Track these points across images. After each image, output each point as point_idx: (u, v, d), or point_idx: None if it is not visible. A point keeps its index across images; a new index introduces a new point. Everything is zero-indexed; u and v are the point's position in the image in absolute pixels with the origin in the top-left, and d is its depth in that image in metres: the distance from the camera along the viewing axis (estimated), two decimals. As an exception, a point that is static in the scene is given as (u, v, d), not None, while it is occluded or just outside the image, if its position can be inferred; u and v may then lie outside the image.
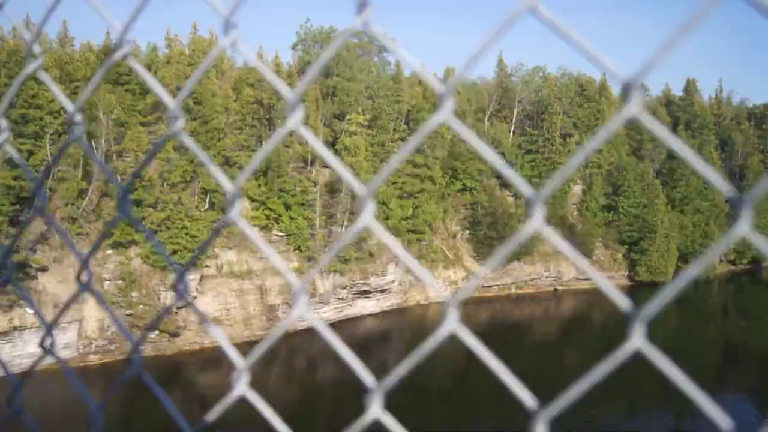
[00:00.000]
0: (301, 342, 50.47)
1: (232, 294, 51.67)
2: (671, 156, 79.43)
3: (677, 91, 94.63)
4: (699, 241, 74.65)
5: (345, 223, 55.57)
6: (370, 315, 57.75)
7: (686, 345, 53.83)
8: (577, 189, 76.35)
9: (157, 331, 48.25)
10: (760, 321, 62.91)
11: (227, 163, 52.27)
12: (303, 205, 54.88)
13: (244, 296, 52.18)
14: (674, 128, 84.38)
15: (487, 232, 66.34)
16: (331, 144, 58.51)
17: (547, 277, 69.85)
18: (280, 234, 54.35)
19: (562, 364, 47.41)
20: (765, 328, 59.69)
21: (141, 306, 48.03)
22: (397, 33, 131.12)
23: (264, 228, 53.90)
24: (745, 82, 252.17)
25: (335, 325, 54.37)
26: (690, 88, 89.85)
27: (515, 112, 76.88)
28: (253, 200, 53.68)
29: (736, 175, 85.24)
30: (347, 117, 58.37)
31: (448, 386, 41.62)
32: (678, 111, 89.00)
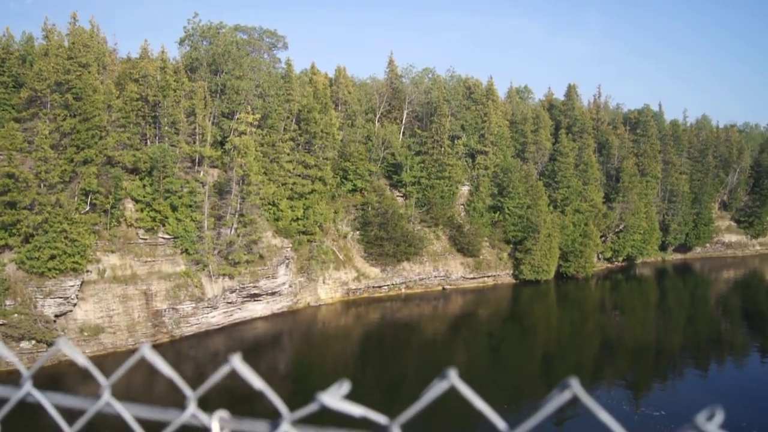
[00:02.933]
0: (189, 347, 53.57)
1: (115, 300, 53.56)
2: (552, 158, 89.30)
3: (559, 96, 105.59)
4: (579, 240, 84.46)
5: (234, 225, 58.85)
6: (260, 318, 61.19)
7: (568, 340, 62.06)
8: (464, 190, 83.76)
9: (33, 342, 49.51)
10: (634, 315, 72.76)
11: (109, 163, 54.13)
12: (190, 206, 57.42)
13: (129, 302, 54.12)
14: (556, 131, 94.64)
15: (378, 232, 71.92)
16: (220, 144, 61.57)
17: (435, 276, 76.54)
18: (167, 236, 56.78)
19: (451, 360, 53.07)
20: (638, 322, 69.12)
21: (15, 315, 48.97)
22: (287, 30, 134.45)
23: (150, 230, 56.05)
24: (620, 89, 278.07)
25: (224, 330, 57.63)
26: (571, 93, 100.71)
27: (405, 113, 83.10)
28: (137, 201, 55.76)
29: (613, 177, 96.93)
30: (236, 116, 61.76)
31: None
32: (560, 115, 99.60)
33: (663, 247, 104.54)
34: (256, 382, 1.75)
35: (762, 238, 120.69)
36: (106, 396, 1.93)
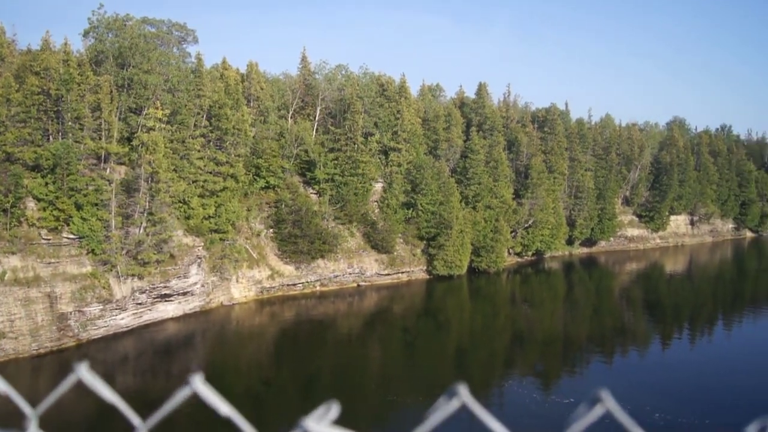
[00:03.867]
0: (98, 351, 53.09)
1: (17, 303, 52.34)
2: (464, 155, 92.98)
3: (470, 94, 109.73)
4: (490, 236, 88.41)
5: (144, 224, 58.63)
6: (172, 319, 61.11)
7: (480, 333, 65.10)
8: (378, 187, 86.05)
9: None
10: (543, 308, 76.96)
11: (8, 160, 52.92)
12: (97, 204, 56.74)
13: (31, 305, 52.95)
14: (467, 129, 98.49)
15: (292, 230, 73.10)
16: (127, 140, 61.08)
17: (350, 273, 78.46)
18: (72, 236, 55.92)
19: (366, 355, 55.01)
20: (547, 314, 73.20)
21: None
22: (197, 24, 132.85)
23: (53, 230, 55.08)
24: (528, 88, 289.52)
25: (134, 332, 57.32)
26: (481, 91, 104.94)
27: (318, 110, 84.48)
28: (39, 200, 54.69)
29: (522, 174, 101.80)
30: (144, 111, 61.44)
31: (254, 385, 46.56)
32: (471, 113, 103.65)
33: (570, 242, 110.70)
34: (222, 407, 1.61)
35: (662, 231, 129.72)
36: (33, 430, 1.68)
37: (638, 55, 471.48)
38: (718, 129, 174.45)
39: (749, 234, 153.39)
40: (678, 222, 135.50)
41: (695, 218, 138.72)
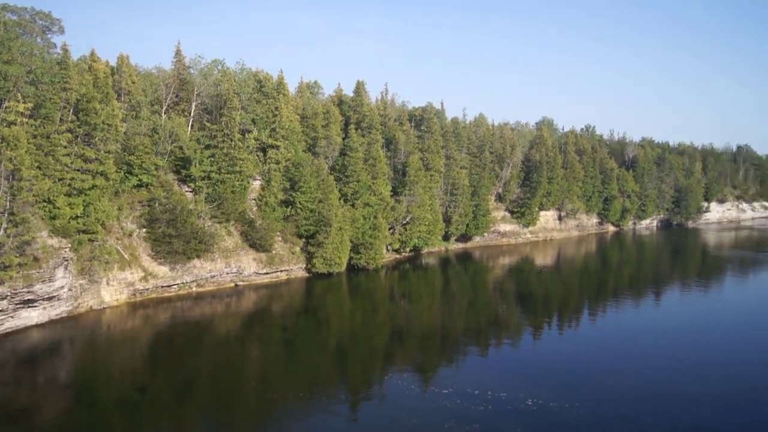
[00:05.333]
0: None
1: None
2: (343, 153, 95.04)
3: (349, 92, 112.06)
4: (369, 233, 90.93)
5: (4, 225, 56.24)
6: (36, 326, 58.91)
7: (360, 329, 67.01)
8: (256, 184, 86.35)
9: None
10: (421, 303, 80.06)
11: None
12: (-50, 205, 53.84)
13: None
14: (346, 126, 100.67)
15: (166, 229, 72.18)
16: (-15, 135, 58.14)
17: (227, 273, 78.43)
18: None
19: (245, 355, 55.41)
20: (425, 309, 76.18)
21: None
22: (63, 13, 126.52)
23: None
24: (405, 86, 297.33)
25: (-6, 341, 54.71)
26: (359, 89, 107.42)
27: (194, 106, 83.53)
28: None
29: (400, 172, 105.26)
30: (5, 104, 58.78)
31: (128, 392, 45.89)
32: (349, 111, 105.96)
33: (446, 237, 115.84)
34: None
35: (532, 227, 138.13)
36: None
37: (509, 56, 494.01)
38: (583, 129, 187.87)
39: (611, 228, 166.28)
40: (547, 217, 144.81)
41: (563, 214, 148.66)
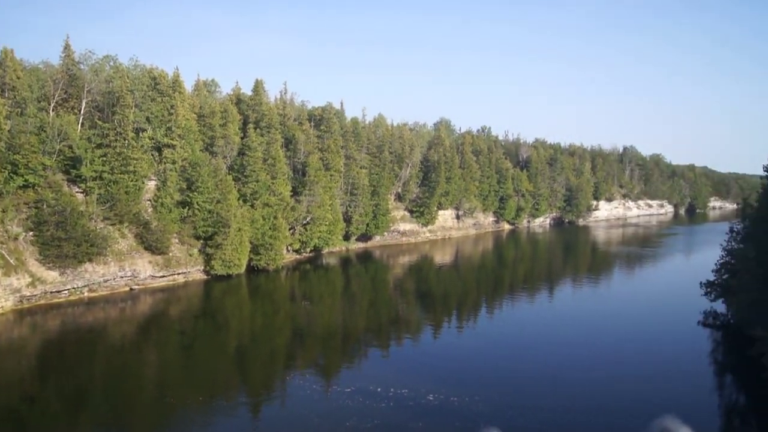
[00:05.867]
0: None
1: None
2: (241, 153, 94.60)
3: (247, 90, 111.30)
4: (269, 234, 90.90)
5: None
6: None
7: (261, 331, 67.02)
8: (151, 185, 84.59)
9: None
10: (322, 303, 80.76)
11: None
12: None
13: None
14: (244, 126, 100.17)
15: (55, 232, 69.60)
16: None
17: (122, 277, 76.48)
18: None
19: (142, 361, 54.33)
20: (326, 309, 76.90)
21: None
22: None
23: None
24: (305, 86, 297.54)
25: None
26: (258, 88, 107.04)
27: (84, 103, 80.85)
28: None
29: (300, 172, 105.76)
30: None
31: (15, 404, 44.19)
32: (248, 110, 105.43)
33: (347, 237, 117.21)
34: None
35: (431, 225, 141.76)
36: None
37: (408, 57, 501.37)
38: (479, 130, 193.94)
39: (507, 226, 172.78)
40: (445, 216, 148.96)
41: (460, 213, 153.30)
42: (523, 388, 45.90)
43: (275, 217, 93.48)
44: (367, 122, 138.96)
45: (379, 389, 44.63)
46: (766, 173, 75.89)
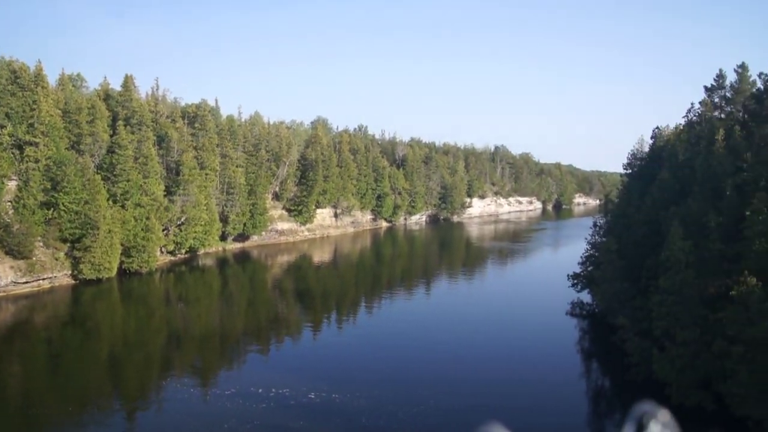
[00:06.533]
0: None
1: None
2: (111, 151, 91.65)
3: (116, 86, 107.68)
4: (141, 235, 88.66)
5: None
6: None
7: (134, 336, 65.31)
8: (12, 185, 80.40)
9: None
10: (199, 305, 79.80)
11: None
12: None
13: None
14: (114, 123, 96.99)
15: None
16: None
17: (-20, 284, 72.32)
18: None
19: (4, 373, 51.75)
20: (203, 311, 76.03)
21: None
22: None
23: None
24: (178, 83, 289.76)
25: None
26: (128, 83, 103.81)
27: (-67, 98, 75.74)
28: None
29: (173, 171, 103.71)
30: None
31: None
32: (117, 106, 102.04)
33: (223, 237, 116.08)
34: None
35: (309, 224, 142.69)
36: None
37: (283, 55, 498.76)
38: (356, 129, 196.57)
39: (384, 224, 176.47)
40: (323, 215, 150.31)
41: (338, 211, 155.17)
42: (404, 384, 47.27)
43: (148, 218, 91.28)
44: (243, 120, 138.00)
45: (259, 390, 44.76)
46: (624, 171, 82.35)
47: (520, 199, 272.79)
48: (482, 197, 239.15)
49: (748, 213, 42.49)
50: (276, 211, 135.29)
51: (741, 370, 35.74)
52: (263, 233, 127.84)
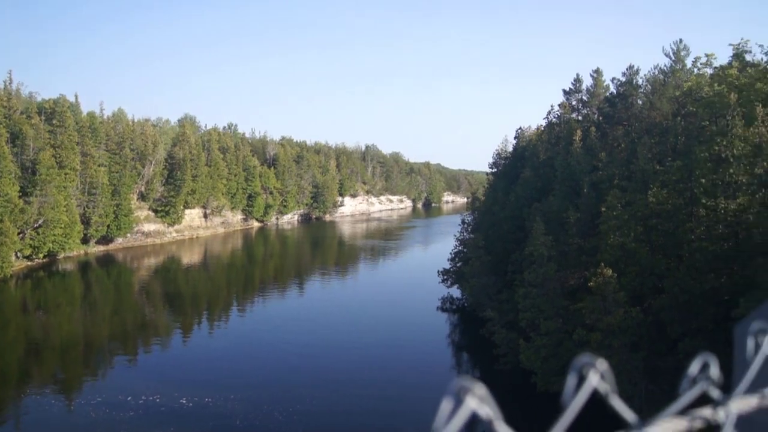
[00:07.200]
0: None
1: None
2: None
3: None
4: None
5: None
6: None
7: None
8: None
9: None
10: (60, 312, 76.14)
11: None
12: None
13: None
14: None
15: None
16: None
17: None
18: None
19: None
20: (65, 319, 72.67)
21: None
22: None
23: None
24: (34, 76, 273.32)
25: None
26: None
27: None
28: None
29: (29, 170, 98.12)
30: None
31: None
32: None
33: (85, 240, 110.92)
34: None
35: (178, 225, 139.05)
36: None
37: (147, 49, 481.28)
38: (225, 127, 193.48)
39: (256, 224, 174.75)
40: (192, 215, 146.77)
41: (208, 211, 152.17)
42: (279, 385, 47.65)
43: (1, 221, 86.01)
44: (105, 117, 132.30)
45: (128, 398, 43.66)
46: (490, 170, 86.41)
47: (391, 197, 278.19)
48: (354, 196, 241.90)
49: (603, 209, 46.23)
50: (142, 212, 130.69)
51: (599, 356, 38.83)
52: (128, 235, 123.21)
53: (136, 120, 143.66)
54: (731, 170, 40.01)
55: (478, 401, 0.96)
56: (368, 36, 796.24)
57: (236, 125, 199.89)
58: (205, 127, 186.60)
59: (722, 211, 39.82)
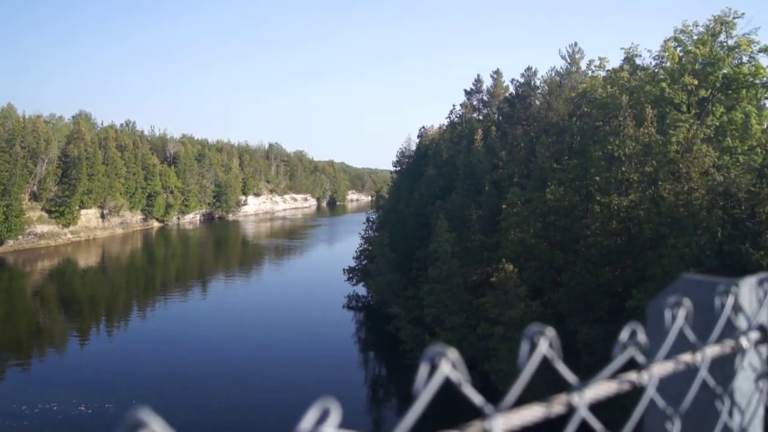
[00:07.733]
0: None
1: None
2: None
3: None
4: None
5: None
6: None
7: None
8: None
9: None
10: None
11: None
12: None
13: None
14: None
15: None
16: None
17: None
18: None
19: None
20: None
21: None
22: None
23: None
24: None
25: None
26: None
27: None
28: None
29: None
30: None
31: None
32: None
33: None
34: None
35: (73, 226, 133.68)
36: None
37: (40, 40, 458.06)
38: (123, 124, 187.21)
39: (156, 224, 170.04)
40: (89, 216, 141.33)
41: (106, 211, 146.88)
42: (177, 385, 47.37)
43: None
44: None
45: (23, 407, 42.01)
46: (394, 168, 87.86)
47: (296, 196, 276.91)
48: (258, 195, 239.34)
49: (503, 206, 48.21)
50: (34, 212, 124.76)
51: (502, 348, 40.54)
52: (20, 237, 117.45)
53: (27, 116, 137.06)
54: (623, 168, 42.80)
55: (451, 366, 1.02)
56: (269, 34, 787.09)
57: (134, 122, 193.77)
58: (102, 124, 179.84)
59: (615, 208, 42.43)
